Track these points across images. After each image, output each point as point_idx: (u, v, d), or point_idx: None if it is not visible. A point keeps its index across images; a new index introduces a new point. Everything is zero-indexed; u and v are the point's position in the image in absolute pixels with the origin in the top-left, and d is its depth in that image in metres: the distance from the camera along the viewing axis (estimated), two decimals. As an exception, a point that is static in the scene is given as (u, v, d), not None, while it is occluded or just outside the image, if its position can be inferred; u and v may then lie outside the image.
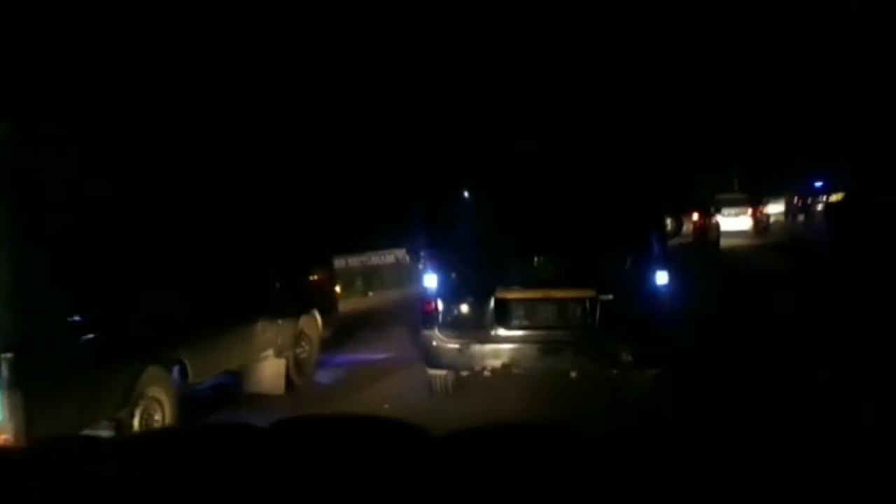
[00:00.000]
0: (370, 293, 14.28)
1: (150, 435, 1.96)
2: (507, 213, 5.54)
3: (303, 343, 6.87)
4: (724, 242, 21.84)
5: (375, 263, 15.71)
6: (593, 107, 24.45)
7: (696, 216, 21.73)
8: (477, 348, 5.24)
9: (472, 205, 5.89)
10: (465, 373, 5.51)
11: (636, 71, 26.13)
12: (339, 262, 14.85)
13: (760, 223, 26.09)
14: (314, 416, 1.39)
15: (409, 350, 7.94)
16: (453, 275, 5.42)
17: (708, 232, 21.74)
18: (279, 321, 6.37)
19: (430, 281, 5.52)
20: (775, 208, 29.21)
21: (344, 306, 12.46)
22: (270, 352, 6.35)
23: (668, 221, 24.27)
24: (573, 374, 5.27)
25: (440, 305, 5.36)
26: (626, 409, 5.03)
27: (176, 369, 5.14)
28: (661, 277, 5.25)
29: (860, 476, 1.17)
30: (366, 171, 18.18)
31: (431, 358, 5.47)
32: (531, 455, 1.14)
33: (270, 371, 6.44)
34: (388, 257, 16.00)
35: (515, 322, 5.22)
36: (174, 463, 1.20)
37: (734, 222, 24.62)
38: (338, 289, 7.83)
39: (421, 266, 6.52)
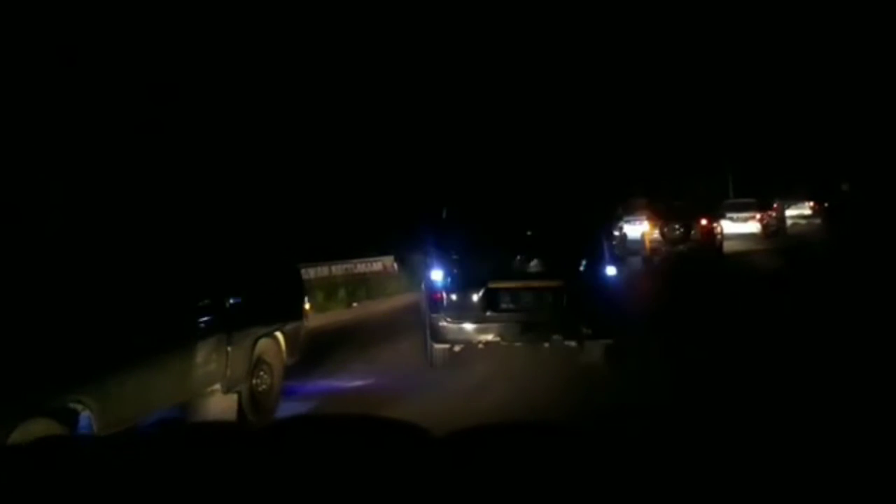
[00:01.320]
0: (354, 304, 12.95)
1: (149, 435, 1.89)
2: (495, 223, 7.05)
3: (261, 373, 5.56)
4: (732, 246, 21.24)
5: (361, 272, 14.39)
6: (587, 113, 23.73)
7: (704, 221, 20.84)
8: (473, 326, 6.73)
9: (468, 216, 7.30)
10: (458, 348, 7.02)
11: (632, 78, 25.54)
12: (321, 271, 13.58)
13: (769, 227, 25.18)
14: (314, 417, 1.61)
15: (394, 375, 6.72)
16: (455, 271, 6.82)
17: (715, 237, 20.88)
18: (228, 348, 5.05)
19: (437, 276, 6.89)
20: (793, 211, 28.17)
21: (324, 319, 11.25)
22: (218, 386, 5.06)
23: (676, 227, 22.80)
24: (546, 345, 6.72)
25: (445, 295, 6.76)
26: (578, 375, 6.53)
27: (80, 417, 3.81)
28: (611, 271, 6.95)
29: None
30: (355, 176, 17.13)
31: (438, 335, 6.83)
32: (530, 455, 1.15)
33: (218, 409, 5.15)
34: (375, 265, 14.69)
35: (503, 306, 6.71)
36: (172, 462, 1.19)
37: (742, 227, 24.07)
38: (307, 305, 6.52)
39: (426, 265, 7.03)
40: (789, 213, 27.93)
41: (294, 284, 6.33)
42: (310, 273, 13.25)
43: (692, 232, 20.53)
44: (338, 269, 13.88)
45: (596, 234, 7.22)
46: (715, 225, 21.02)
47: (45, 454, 1.32)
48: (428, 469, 1.12)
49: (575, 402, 5.60)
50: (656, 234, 20.37)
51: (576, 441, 1.22)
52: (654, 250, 20.17)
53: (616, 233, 21.04)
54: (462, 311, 6.72)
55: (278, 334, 5.77)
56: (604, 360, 6.74)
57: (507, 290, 6.70)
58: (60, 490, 1.14)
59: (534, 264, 6.69)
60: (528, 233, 7.00)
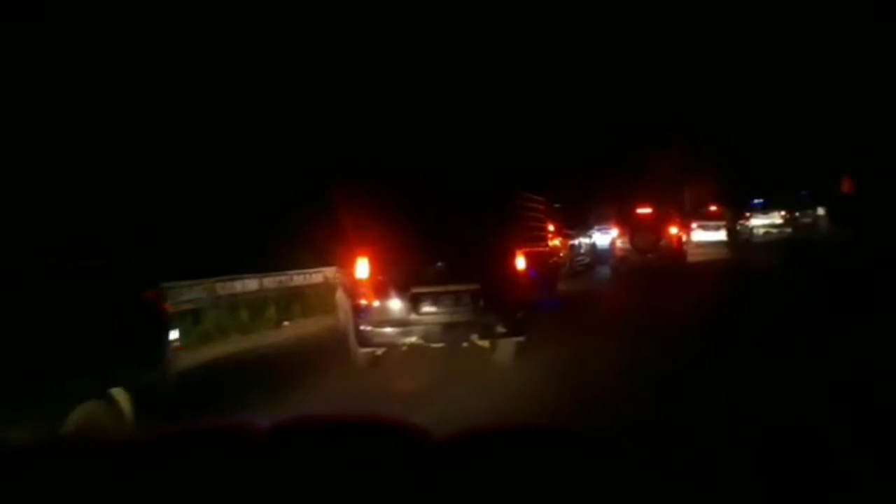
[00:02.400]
0: (285, 323, 11.17)
1: (150, 435, 1.36)
2: (417, 231, 7.16)
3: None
4: (700, 255, 20.89)
5: (298, 284, 12.61)
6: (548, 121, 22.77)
7: (674, 230, 20.01)
8: (397, 330, 7.01)
9: (389, 220, 7.24)
10: (380, 351, 7.29)
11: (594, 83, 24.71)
12: (248, 284, 11.78)
13: (741, 236, 24.59)
14: (314, 417, 1.31)
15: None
16: (379, 277, 7.06)
17: (683, 246, 20.14)
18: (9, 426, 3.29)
19: (361, 282, 7.07)
20: (764, 220, 27.87)
21: (242, 344, 9.51)
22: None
23: (646, 236, 21.37)
24: (465, 344, 7.09)
25: (369, 300, 7.01)
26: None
27: None
28: (524, 276, 7.51)
29: None
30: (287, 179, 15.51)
31: (363, 340, 7.06)
32: (531, 457, 1.17)
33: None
34: (315, 277, 12.91)
35: (425, 309, 7.02)
36: (172, 462, 1.19)
37: (710, 235, 23.81)
38: (174, 337, 4.81)
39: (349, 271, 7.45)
40: (760, 222, 27.82)
41: (146, 320, 4.53)
42: (235, 287, 11.50)
43: (662, 241, 19.91)
44: (270, 281, 12.09)
45: (510, 242, 7.56)
46: (683, 234, 20.33)
47: (46, 455, 1.30)
48: (428, 470, 1.11)
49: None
50: (625, 242, 19.54)
51: (578, 444, 1.20)
52: (622, 259, 19.26)
53: (586, 241, 19.96)
54: (386, 316, 6.98)
55: (118, 393, 4.03)
56: (515, 357, 7.10)
57: (429, 294, 6.97)
58: (63, 490, 1.13)
59: (453, 269, 7.03)
60: (447, 240, 7.15)
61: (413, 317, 6.94)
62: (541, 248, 14.65)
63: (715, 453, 1.57)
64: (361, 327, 6.97)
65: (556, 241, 16.35)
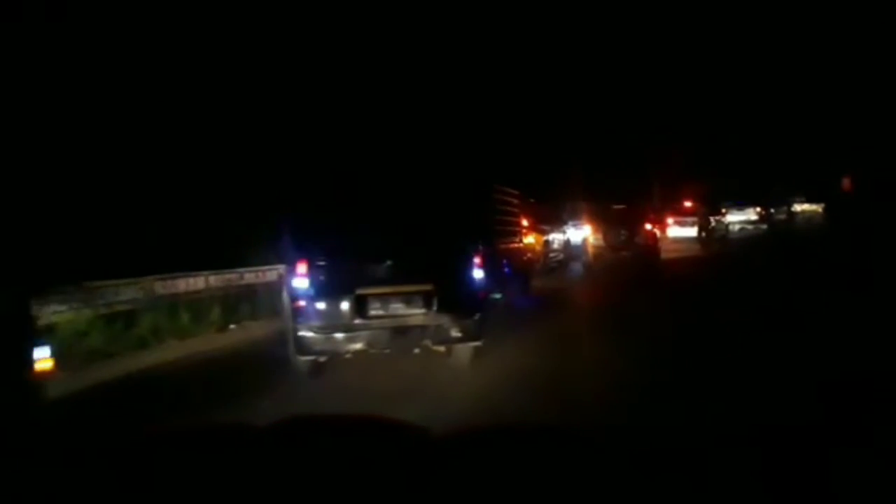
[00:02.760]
0: (232, 326, 10.11)
1: (150, 435, 1.46)
2: (364, 226, 6.60)
3: None
4: (676, 251, 20.53)
5: (249, 283, 11.54)
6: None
7: (648, 226, 19.39)
8: (341, 336, 6.36)
9: (332, 217, 6.68)
10: (323, 359, 6.60)
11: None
12: (193, 283, 10.68)
13: (716, 232, 24.19)
14: (314, 417, 1.38)
15: None
16: (320, 277, 6.39)
17: (658, 242, 19.54)
18: None
19: (300, 283, 6.39)
20: (739, 217, 27.77)
21: (178, 351, 8.44)
22: None
23: (621, 232, 20.63)
24: (416, 351, 6.59)
25: (309, 303, 6.34)
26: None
27: None
28: (480, 276, 6.85)
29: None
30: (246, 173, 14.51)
31: (302, 347, 6.37)
32: (529, 455, 1.16)
33: None
34: (270, 274, 11.83)
35: (372, 313, 6.38)
36: (174, 462, 1.20)
37: (687, 231, 23.70)
38: (45, 362, 3.78)
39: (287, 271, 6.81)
40: (736, 218, 27.85)
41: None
42: (178, 286, 10.40)
43: (636, 237, 19.24)
44: (217, 280, 11.01)
45: (467, 237, 6.98)
46: (657, 230, 19.73)
47: (49, 454, 1.30)
48: (427, 469, 1.12)
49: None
50: (599, 239, 18.82)
51: (575, 441, 1.22)
52: (596, 256, 18.53)
53: (560, 237, 19.20)
54: (328, 320, 6.33)
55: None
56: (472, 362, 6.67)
57: (376, 295, 6.37)
58: (63, 491, 1.13)
59: (404, 268, 6.45)
60: (397, 235, 6.58)
61: (358, 321, 6.29)
62: (514, 245, 13.89)
63: (703, 451, 1.24)
64: (300, 333, 6.29)
65: (530, 238, 15.55)
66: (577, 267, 18.63)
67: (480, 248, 7.02)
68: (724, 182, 27.73)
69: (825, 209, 28.12)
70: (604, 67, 27.15)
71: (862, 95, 24.83)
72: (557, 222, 19.69)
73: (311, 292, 6.30)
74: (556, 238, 19.10)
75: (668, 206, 24.85)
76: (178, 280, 10.37)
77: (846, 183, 23.49)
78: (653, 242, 19.76)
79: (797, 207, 28.56)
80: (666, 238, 21.99)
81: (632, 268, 17.33)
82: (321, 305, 6.29)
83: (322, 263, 6.41)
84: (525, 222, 15.07)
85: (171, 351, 8.54)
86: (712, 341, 7.32)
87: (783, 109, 30.09)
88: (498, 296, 12.31)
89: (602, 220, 19.06)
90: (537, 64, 25.15)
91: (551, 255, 18.40)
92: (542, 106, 25.88)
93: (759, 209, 28.30)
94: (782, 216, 28.64)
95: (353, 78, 17.47)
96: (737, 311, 9.19)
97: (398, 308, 6.38)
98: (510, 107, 24.02)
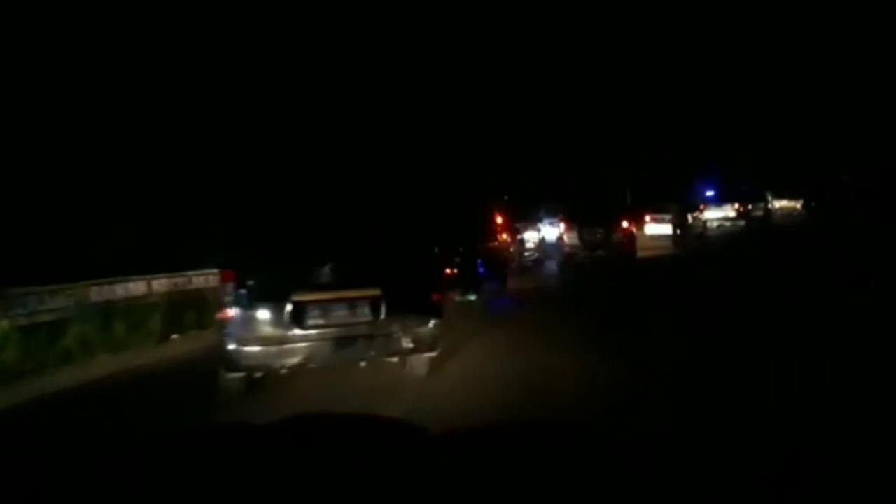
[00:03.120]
0: (174, 336, 9.08)
1: (151, 435, 1.44)
2: (298, 224, 6.09)
3: None
4: (653, 249, 19.84)
5: (198, 287, 10.50)
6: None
7: (624, 224, 18.44)
8: (275, 349, 5.56)
9: (267, 217, 6.22)
10: (258, 374, 5.82)
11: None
12: (134, 288, 9.63)
13: (693, 229, 23.86)
14: (314, 417, 1.35)
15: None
16: (251, 282, 5.63)
17: (635, 241, 18.68)
18: None
19: (228, 290, 5.72)
20: (717, 213, 27.49)
21: (104, 368, 7.40)
22: None
23: (596, 230, 19.81)
24: (363, 364, 5.89)
25: (237, 312, 5.58)
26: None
27: None
28: (434, 279, 6.37)
29: None
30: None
31: (230, 362, 5.64)
32: (528, 452, 1.16)
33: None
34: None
35: (311, 322, 5.58)
36: (176, 462, 1.19)
37: (664, 228, 23.11)
38: None
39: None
40: (714, 215, 27.40)
41: None
42: (116, 291, 9.35)
43: (612, 235, 18.19)
44: (161, 284, 9.97)
45: (419, 237, 6.44)
46: (634, 228, 18.83)
47: (49, 456, 1.30)
48: (425, 467, 1.11)
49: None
50: (574, 237, 17.87)
51: (574, 438, 1.21)
52: (570, 255, 17.67)
53: (534, 234, 18.45)
54: (260, 332, 5.54)
55: None
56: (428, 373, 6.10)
57: (315, 302, 5.60)
58: (63, 491, 1.12)
59: (349, 270, 5.74)
60: (339, 234, 5.98)
61: (295, 331, 5.51)
62: (490, 244, 13.13)
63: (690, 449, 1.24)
64: (228, 347, 5.53)
65: (504, 236, 14.77)
66: (552, 266, 17.90)
67: (436, 247, 6.43)
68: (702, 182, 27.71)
69: (804, 205, 28.17)
70: (587, 63, 26.66)
71: (843, 98, 24.84)
72: (533, 220, 18.94)
73: (241, 300, 5.55)
74: (531, 236, 18.35)
75: (646, 203, 24.32)
76: (115, 285, 9.33)
77: (844, 183, 23.59)
78: (629, 241, 18.90)
79: (776, 204, 28.52)
80: (644, 235, 21.33)
81: (607, 268, 16.57)
82: (252, 315, 5.52)
83: (254, 266, 5.68)
84: (500, 220, 14.33)
85: (99, 366, 7.54)
86: (696, 351, 6.72)
87: (766, 107, 30.08)
88: (472, 297, 11.64)
89: (576, 217, 18.16)
90: (511, 58, 24.58)
91: (526, 254, 17.69)
92: (517, 100, 25.28)
93: (737, 205, 28.17)
94: (759, 213, 28.63)
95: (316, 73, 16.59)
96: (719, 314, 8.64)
97: (341, 316, 5.64)
98: (486, 101, 23.36)
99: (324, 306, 5.59)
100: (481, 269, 12.61)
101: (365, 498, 1.06)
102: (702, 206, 26.47)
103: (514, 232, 16.33)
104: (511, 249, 15.55)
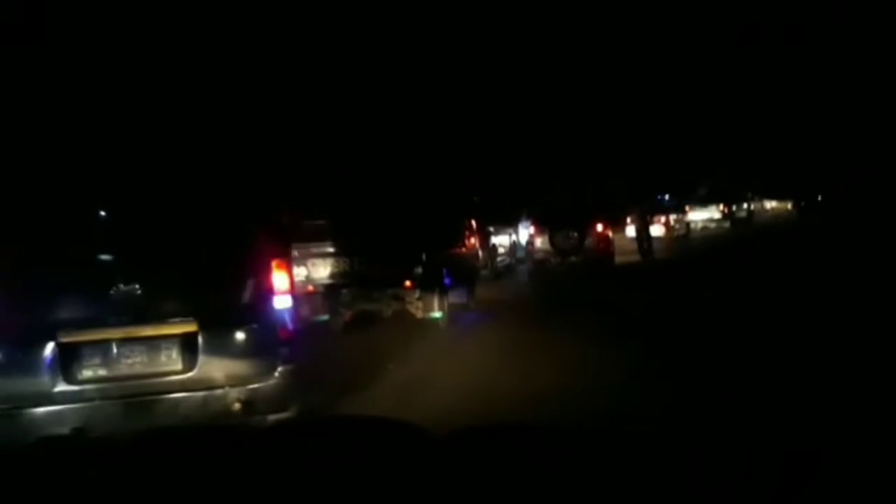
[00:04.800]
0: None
1: (151, 435, 1.47)
2: (68, 226, 4.26)
3: None
4: (631, 253, 19.17)
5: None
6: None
7: (599, 227, 17.06)
8: (30, 414, 3.92)
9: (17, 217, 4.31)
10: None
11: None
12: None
13: (676, 230, 23.48)
14: (314, 418, 1.50)
15: None
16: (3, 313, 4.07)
17: (611, 245, 17.46)
18: None
19: None
20: (703, 215, 27.43)
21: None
22: None
23: (569, 235, 18.84)
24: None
25: None
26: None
27: None
28: (280, 306, 4.40)
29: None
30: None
31: None
32: (531, 454, 1.16)
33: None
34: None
35: (87, 374, 4.05)
36: (174, 464, 1.19)
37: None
38: None
39: None
40: (698, 216, 27.26)
41: None
42: None
43: (586, 240, 16.77)
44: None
45: (260, 252, 4.44)
46: (609, 232, 17.57)
47: (45, 456, 1.29)
48: (429, 469, 1.11)
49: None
50: (545, 242, 16.59)
51: (577, 439, 1.20)
52: (540, 262, 16.46)
53: (506, 238, 17.44)
54: (10, 389, 3.93)
55: None
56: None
57: (94, 343, 4.05)
58: (64, 491, 1.12)
59: (148, 296, 4.10)
60: (145, 243, 4.27)
61: (62, 388, 3.95)
62: (457, 251, 12.07)
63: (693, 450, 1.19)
64: None
65: (473, 240, 13.70)
66: (521, 270, 16.88)
67: (282, 257, 4.66)
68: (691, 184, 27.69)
69: (793, 206, 28.46)
70: (567, 64, 25.83)
71: (829, 104, 24.58)
72: (506, 223, 17.87)
73: None
74: (503, 241, 17.32)
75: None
76: None
77: (840, 185, 23.44)
78: (605, 246, 17.61)
79: (767, 205, 28.92)
80: (624, 238, 20.40)
81: (581, 276, 15.45)
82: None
83: (6, 291, 4.05)
84: (470, 223, 13.31)
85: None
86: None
87: (751, 113, 29.84)
88: (437, 315, 9.83)
89: (547, 220, 16.93)
90: (488, 60, 23.70)
91: (498, 259, 16.69)
92: (496, 97, 24.38)
93: (722, 207, 28.20)
94: (743, 214, 29.04)
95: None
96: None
97: (135, 363, 4.08)
98: (460, 96, 22.41)
99: (107, 349, 4.05)
100: (447, 280, 11.58)
101: (365, 499, 1.06)
102: (687, 208, 26.03)
103: (485, 236, 15.30)
104: (480, 255, 14.54)
